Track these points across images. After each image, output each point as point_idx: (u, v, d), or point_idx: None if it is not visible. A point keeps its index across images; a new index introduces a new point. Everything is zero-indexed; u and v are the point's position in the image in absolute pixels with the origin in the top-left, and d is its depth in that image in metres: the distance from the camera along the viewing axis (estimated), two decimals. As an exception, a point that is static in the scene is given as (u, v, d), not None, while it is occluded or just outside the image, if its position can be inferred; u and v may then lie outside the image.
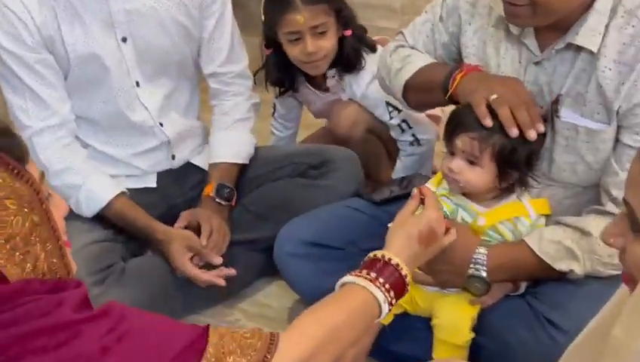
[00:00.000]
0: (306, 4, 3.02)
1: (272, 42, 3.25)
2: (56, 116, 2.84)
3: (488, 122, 2.21)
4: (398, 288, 1.93)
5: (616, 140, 2.31)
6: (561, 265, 2.32)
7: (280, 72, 3.33)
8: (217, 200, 3.01)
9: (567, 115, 2.32)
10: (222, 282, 2.85)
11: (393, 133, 3.22)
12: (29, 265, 1.45)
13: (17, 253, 1.43)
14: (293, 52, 3.16)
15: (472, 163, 2.31)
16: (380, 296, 1.87)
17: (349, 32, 3.20)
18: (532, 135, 2.21)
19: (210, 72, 3.09)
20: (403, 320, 2.58)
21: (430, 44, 2.67)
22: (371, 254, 1.99)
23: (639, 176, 1.37)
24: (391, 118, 3.18)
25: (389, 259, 1.95)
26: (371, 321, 1.90)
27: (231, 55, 3.08)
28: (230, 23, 3.06)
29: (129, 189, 3.03)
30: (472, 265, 2.35)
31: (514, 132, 2.19)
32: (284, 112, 3.61)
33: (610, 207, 2.32)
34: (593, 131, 2.30)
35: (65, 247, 1.54)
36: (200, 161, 3.17)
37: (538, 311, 2.39)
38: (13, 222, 1.42)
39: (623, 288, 1.51)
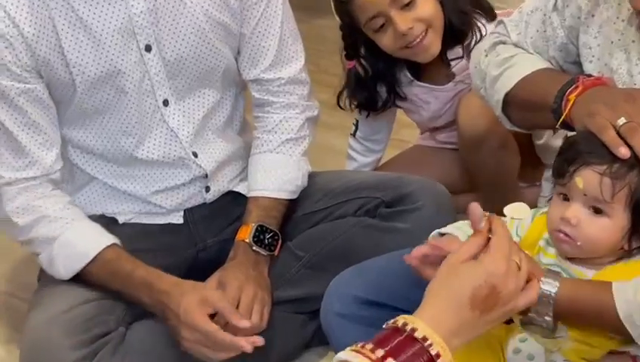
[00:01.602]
0: None
1: (353, 50, 3.05)
2: (34, 167, 2.58)
3: (625, 151, 1.92)
4: None
5: None
6: None
7: (369, 89, 3.09)
8: (255, 248, 2.66)
9: None
10: (249, 348, 2.42)
11: (538, 140, 3.03)
12: None
13: None
14: (387, 42, 2.90)
15: (597, 210, 1.97)
16: None
17: None
18: None
19: (252, 78, 2.79)
20: None
21: (541, 40, 2.42)
22: (392, 321, 1.63)
23: None
24: None
25: (413, 330, 1.59)
26: None
27: (280, 56, 2.79)
28: (280, 12, 2.77)
29: (144, 226, 2.78)
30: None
31: None
32: (369, 132, 3.33)
33: None
34: None
35: None
36: (243, 189, 2.86)
37: None
38: None
39: None
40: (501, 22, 2.54)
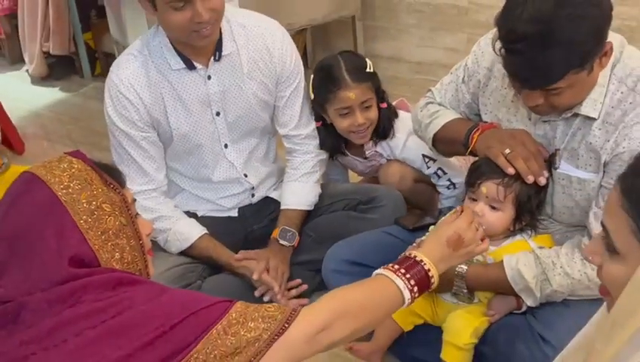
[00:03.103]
0: (356, 83, 2.83)
1: (319, 117, 3.00)
2: (152, 183, 2.78)
3: (511, 170, 2.14)
4: (422, 281, 1.87)
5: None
6: (521, 294, 2.23)
7: (327, 141, 3.04)
8: (280, 242, 2.87)
9: (564, 167, 2.19)
10: (277, 289, 2.77)
11: (432, 180, 3.00)
12: (117, 254, 1.60)
13: (109, 243, 1.59)
14: (343, 124, 2.91)
15: (493, 208, 2.21)
16: (400, 282, 1.81)
17: (384, 105, 2.98)
18: (543, 181, 2.17)
19: (284, 134, 2.94)
20: (422, 329, 2.45)
21: (455, 101, 2.52)
22: (403, 254, 1.96)
23: (615, 204, 1.27)
24: (428, 167, 2.95)
25: (415, 256, 1.90)
26: (391, 304, 1.82)
27: (300, 120, 2.92)
28: (302, 93, 2.90)
29: (214, 218, 2.95)
30: (456, 279, 2.29)
31: (531, 179, 2.13)
32: (331, 174, 3.31)
33: (585, 240, 2.17)
34: (584, 180, 2.17)
35: (147, 250, 1.70)
36: (276, 195, 3.03)
37: (534, 329, 2.25)
38: (107, 220, 1.59)
39: (604, 306, 1.42)
40: (430, 90, 2.62)
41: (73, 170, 1.61)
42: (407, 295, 1.79)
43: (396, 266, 1.84)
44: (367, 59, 2.96)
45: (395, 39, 4.92)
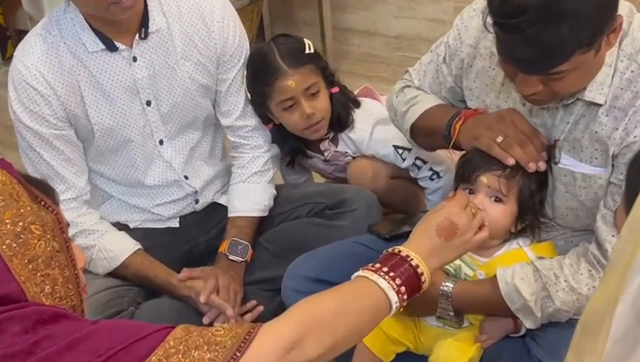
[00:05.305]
0: (294, 68, 2.71)
1: (265, 118, 2.85)
2: (71, 190, 2.63)
3: (512, 160, 2.02)
4: (411, 280, 1.76)
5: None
6: (519, 314, 2.10)
7: (289, 144, 2.93)
8: (230, 257, 2.74)
9: (565, 161, 2.06)
10: (231, 312, 2.59)
11: (412, 174, 2.87)
12: (47, 287, 1.48)
13: (38, 274, 1.46)
14: (292, 119, 2.77)
15: (496, 200, 2.10)
16: (383, 283, 1.70)
17: (336, 90, 2.86)
18: (543, 167, 2.04)
19: (227, 125, 2.81)
20: (404, 359, 2.33)
21: (435, 85, 2.40)
22: (388, 249, 1.83)
23: None
24: (403, 159, 2.81)
25: (399, 251, 1.79)
26: (376, 310, 1.70)
27: (247, 108, 2.79)
28: None
29: (150, 230, 2.82)
30: (441, 300, 2.16)
31: (532, 167, 2.01)
32: (286, 174, 3.18)
33: (592, 247, 2.06)
34: (589, 177, 2.04)
35: (82, 286, 1.57)
36: (224, 200, 2.89)
37: (535, 356, 2.12)
38: (36, 245, 1.46)
39: None
40: (407, 71, 2.52)
41: None
42: (393, 297, 1.69)
43: (377, 265, 1.73)
44: (305, 40, 2.81)
45: (368, 9, 4.88)
